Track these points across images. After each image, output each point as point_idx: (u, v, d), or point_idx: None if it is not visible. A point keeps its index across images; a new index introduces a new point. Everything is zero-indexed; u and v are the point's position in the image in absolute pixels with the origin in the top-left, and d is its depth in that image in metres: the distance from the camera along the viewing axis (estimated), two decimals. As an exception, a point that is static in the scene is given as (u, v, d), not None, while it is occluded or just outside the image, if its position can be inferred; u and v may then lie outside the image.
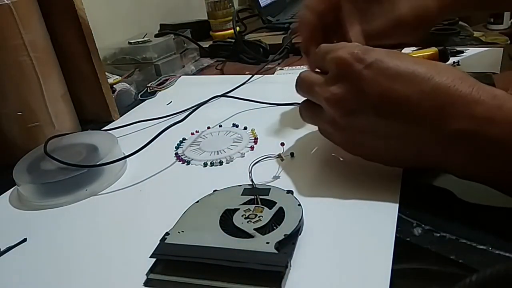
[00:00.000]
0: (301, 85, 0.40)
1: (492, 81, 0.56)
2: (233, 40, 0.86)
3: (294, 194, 0.36)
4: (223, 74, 0.79)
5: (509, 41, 1.06)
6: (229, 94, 0.63)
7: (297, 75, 0.40)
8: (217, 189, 0.38)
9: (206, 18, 1.01)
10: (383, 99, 0.33)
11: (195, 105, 0.60)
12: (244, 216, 0.33)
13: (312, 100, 0.39)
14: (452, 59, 0.63)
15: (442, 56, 0.61)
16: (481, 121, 0.30)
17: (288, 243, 0.30)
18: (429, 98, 0.31)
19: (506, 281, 0.18)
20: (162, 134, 0.48)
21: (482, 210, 0.33)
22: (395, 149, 0.35)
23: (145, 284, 0.30)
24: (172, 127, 0.50)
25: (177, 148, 0.51)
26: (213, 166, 0.46)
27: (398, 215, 0.33)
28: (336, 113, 0.35)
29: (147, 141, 0.47)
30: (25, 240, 0.38)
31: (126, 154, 0.47)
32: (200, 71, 0.82)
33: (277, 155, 0.44)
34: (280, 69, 0.76)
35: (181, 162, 0.48)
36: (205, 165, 0.46)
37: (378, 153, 0.36)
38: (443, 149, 0.32)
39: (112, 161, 0.45)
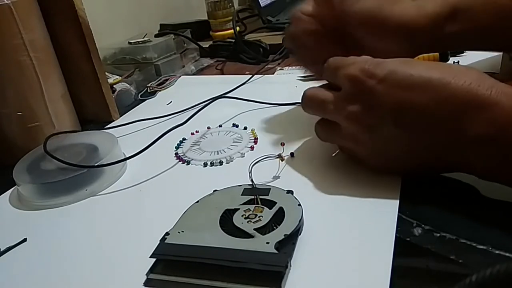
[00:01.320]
0: (311, 104, 0.39)
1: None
2: (233, 40, 0.86)
3: (294, 194, 0.36)
4: (223, 74, 0.79)
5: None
6: (229, 95, 0.63)
7: (302, 93, 0.40)
8: (217, 189, 0.38)
9: (206, 18, 1.01)
10: (401, 110, 0.33)
11: (195, 107, 0.60)
12: (244, 216, 0.33)
13: (326, 118, 0.39)
14: (452, 59, 0.63)
15: (442, 57, 0.61)
16: (500, 125, 0.30)
17: (288, 243, 0.30)
18: (447, 104, 0.31)
19: (506, 281, 0.18)
20: (163, 137, 0.48)
21: (482, 210, 0.33)
22: (418, 157, 0.35)
23: (145, 284, 0.30)
24: (173, 130, 0.50)
25: (177, 148, 0.51)
26: (213, 166, 0.46)
27: (398, 215, 0.33)
28: (357, 130, 0.35)
29: (148, 144, 0.46)
30: (25, 240, 0.38)
31: (126, 155, 0.47)
32: (200, 71, 0.82)
33: (277, 155, 0.44)
34: (280, 69, 0.76)
35: (181, 162, 0.48)
36: (205, 165, 0.46)
37: (401, 163, 0.36)
38: (462, 154, 0.32)
39: (112, 162, 0.45)
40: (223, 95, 0.62)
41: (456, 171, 0.35)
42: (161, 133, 0.48)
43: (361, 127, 0.35)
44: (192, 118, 0.54)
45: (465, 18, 0.42)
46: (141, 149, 0.46)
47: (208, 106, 0.61)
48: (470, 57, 0.63)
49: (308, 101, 0.39)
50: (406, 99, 0.32)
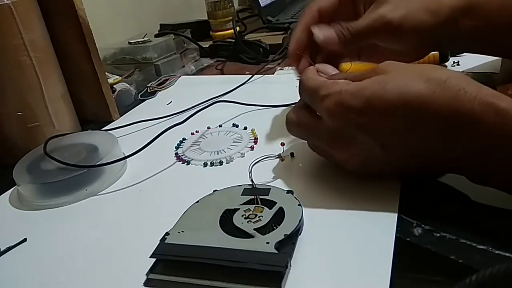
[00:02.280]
0: (294, 129, 0.39)
1: (492, 81, 0.56)
2: (233, 40, 0.86)
3: (294, 194, 0.36)
4: (223, 74, 0.79)
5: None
6: (226, 98, 0.62)
7: (286, 115, 0.39)
8: (217, 189, 0.38)
9: (206, 18, 1.01)
10: (385, 136, 0.33)
11: (195, 107, 0.60)
12: (244, 216, 0.33)
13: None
14: (452, 59, 0.63)
15: (442, 57, 0.61)
16: (486, 141, 0.29)
17: (288, 243, 0.30)
18: (430, 125, 0.31)
19: (506, 281, 0.18)
20: (162, 135, 0.48)
21: (482, 209, 0.33)
22: (409, 169, 0.35)
23: (145, 284, 0.30)
24: (172, 128, 0.50)
25: (177, 148, 0.51)
26: (213, 166, 0.46)
27: (398, 215, 0.33)
28: (344, 156, 0.36)
29: (147, 142, 0.47)
30: (25, 240, 0.38)
31: (126, 155, 0.47)
32: (200, 71, 0.82)
33: (277, 155, 0.44)
34: (280, 69, 0.76)
35: (181, 162, 0.48)
36: (205, 165, 0.46)
37: (392, 175, 0.37)
38: (451, 167, 0.33)
39: (111, 161, 0.45)
40: (221, 100, 0.62)
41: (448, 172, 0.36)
42: (161, 132, 0.48)
43: (348, 155, 0.35)
44: (192, 118, 0.54)
45: (480, 14, 0.42)
46: (140, 147, 0.46)
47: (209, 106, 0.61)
48: (470, 57, 0.63)
49: (291, 127, 0.39)
50: (388, 126, 0.32)
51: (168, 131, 0.49)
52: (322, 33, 0.42)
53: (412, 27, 0.41)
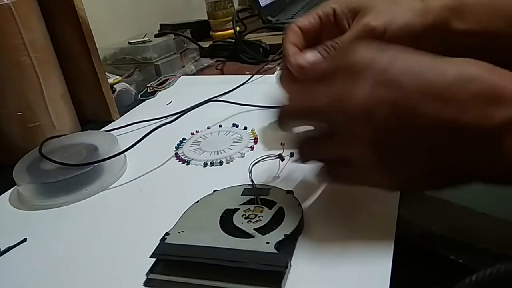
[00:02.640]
0: (310, 147, 0.32)
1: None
2: (233, 40, 0.86)
3: (294, 194, 0.36)
4: (223, 74, 0.79)
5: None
6: (226, 98, 0.63)
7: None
8: (217, 189, 0.38)
9: (206, 18, 1.01)
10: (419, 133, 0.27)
11: (186, 108, 0.60)
12: (244, 216, 0.33)
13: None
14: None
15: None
16: None
17: (288, 243, 0.30)
18: (460, 147, 0.26)
19: (506, 281, 0.18)
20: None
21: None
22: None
23: (145, 284, 0.30)
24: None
25: (177, 148, 0.51)
26: (213, 166, 0.46)
27: (398, 215, 0.33)
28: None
29: (140, 138, 0.47)
30: (25, 240, 0.38)
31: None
32: (200, 71, 0.82)
33: (277, 155, 0.43)
34: (280, 69, 0.76)
35: (181, 162, 0.48)
36: (205, 165, 0.46)
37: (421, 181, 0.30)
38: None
39: (106, 157, 0.45)
40: (214, 99, 0.62)
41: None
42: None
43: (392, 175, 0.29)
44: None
45: (472, 18, 0.41)
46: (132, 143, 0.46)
47: (208, 105, 0.61)
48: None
49: (303, 146, 0.33)
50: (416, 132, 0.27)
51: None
52: (305, 60, 0.40)
53: (398, 31, 0.40)
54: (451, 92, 0.26)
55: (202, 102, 0.61)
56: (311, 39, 0.43)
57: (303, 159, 0.33)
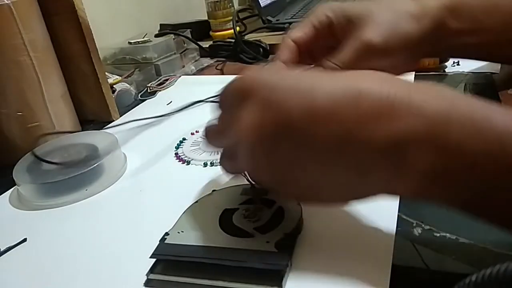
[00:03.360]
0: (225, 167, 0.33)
1: (492, 81, 0.56)
2: (233, 40, 0.86)
3: (294, 194, 0.36)
4: (223, 74, 0.79)
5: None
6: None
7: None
8: (216, 189, 0.38)
9: (206, 18, 1.01)
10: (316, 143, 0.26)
11: (193, 106, 0.60)
12: (243, 215, 0.33)
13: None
14: (452, 59, 0.63)
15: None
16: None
17: (288, 242, 0.30)
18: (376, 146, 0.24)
19: (506, 281, 0.18)
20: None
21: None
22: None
23: (145, 284, 0.30)
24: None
25: (177, 148, 0.51)
26: (213, 166, 0.46)
27: (398, 215, 0.33)
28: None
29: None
30: (25, 240, 0.38)
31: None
32: (200, 71, 0.82)
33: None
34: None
35: (181, 162, 0.48)
36: (205, 165, 0.46)
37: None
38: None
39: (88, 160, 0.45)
40: (200, 100, 0.62)
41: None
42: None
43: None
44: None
45: (467, 16, 0.41)
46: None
47: (209, 106, 0.61)
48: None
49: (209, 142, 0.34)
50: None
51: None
52: None
53: (398, 43, 0.39)
54: (338, 111, 0.25)
55: (201, 101, 0.61)
56: (305, 51, 0.42)
57: (224, 170, 0.34)
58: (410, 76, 0.51)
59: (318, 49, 0.43)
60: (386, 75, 0.26)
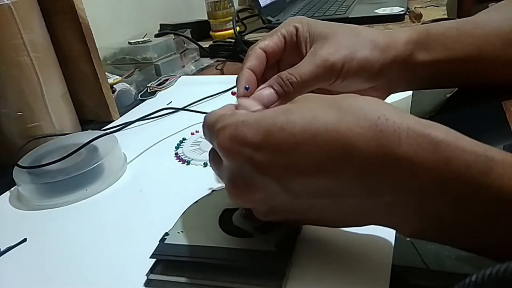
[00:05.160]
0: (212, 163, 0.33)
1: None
2: (233, 40, 0.86)
3: (294, 194, 0.35)
4: (223, 74, 0.79)
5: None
6: (223, 98, 0.63)
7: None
8: (216, 189, 0.38)
9: (206, 18, 1.01)
10: (288, 178, 0.26)
11: (192, 106, 0.60)
12: (243, 215, 0.33)
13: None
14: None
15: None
16: (422, 185, 0.23)
17: (288, 241, 0.30)
18: (349, 160, 0.24)
19: (506, 281, 0.18)
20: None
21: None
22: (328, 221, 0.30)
23: (146, 284, 0.30)
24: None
25: (177, 148, 0.51)
26: (213, 166, 0.46)
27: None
28: (251, 204, 0.30)
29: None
30: (25, 240, 0.38)
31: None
32: (200, 71, 0.82)
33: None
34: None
35: (181, 162, 0.48)
36: (205, 165, 0.46)
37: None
38: (383, 215, 0.27)
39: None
40: (180, 108, 0.62)
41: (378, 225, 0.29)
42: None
43: (252, 201, 0.29)
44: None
45: (438, 46, 0.41)
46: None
47: (209, 105, 0.61)
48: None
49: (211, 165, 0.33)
50: (291, 165, 0.25)
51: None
52: (258, 98, 0.37)
53: (356, 67, 0.39)
54: (299, 150, 0.25)
55: (200, 100, 0.61)
56: (273, 60, 0.43)
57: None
58: (408, 92, 0.51)
59: (284, 62, 0.43)
60: (348, 106, 0.26)
